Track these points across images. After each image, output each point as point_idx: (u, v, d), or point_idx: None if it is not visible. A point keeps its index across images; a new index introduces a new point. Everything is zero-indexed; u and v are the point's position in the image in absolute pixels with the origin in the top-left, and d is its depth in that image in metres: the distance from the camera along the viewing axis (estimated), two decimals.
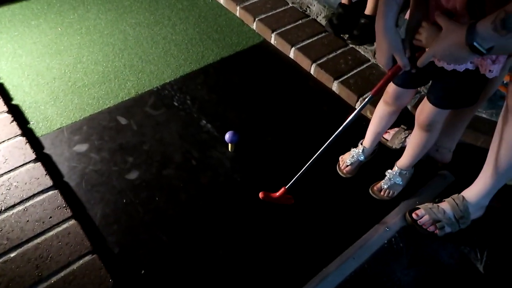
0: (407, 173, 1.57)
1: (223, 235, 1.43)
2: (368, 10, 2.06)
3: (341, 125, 1.28)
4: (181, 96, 1.89)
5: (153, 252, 1.36)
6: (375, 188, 1.59)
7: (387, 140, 1.75)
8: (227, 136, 1.61)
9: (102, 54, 2.06)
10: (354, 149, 1.65)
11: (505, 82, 1.63)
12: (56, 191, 1.43)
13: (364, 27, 2.07)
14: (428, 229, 1.44)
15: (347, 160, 1.64)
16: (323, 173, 1.64)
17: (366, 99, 1.25)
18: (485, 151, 1.34)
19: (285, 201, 1.47)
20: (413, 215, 1.48)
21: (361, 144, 1.64)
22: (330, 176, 1.64)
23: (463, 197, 1.43)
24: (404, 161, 1.54)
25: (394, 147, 1.72)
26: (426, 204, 1.50)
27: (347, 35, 2.15)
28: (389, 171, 1.58)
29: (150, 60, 2.05)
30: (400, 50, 1.11)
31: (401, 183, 1.57)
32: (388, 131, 1.76)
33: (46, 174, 1.47)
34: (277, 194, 1.44)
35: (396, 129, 1.76)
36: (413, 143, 1.46)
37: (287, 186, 1.43)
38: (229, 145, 1.66)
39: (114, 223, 1.43)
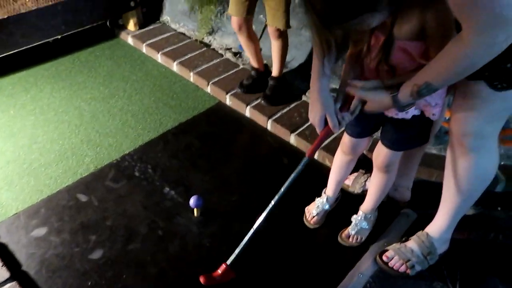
0: (371, 217, 1.61)
1: None
2: (274, 73, 2.19)
3: (283, 186, 1.32)
4: (142, 166, 1.89)
5: None
6: (343, 235, 1.61)
7: (349, 186, 1.80)
8: (192, 201, 1.61)
9: (58, 132, 2.04)
10: (318, 198, 1.68)
11: (447, 118, 1.77)
12: (14, 282, 1.35)
13: (274, 88, 2.19)
14: (399, 270, 1.46)
15: (312, 210, 1.67)
16: (291, 226, 1.65)
17: (302, 162, 1.29)
18: (441, 185, 1.41)
19: (227, 278, 1.40)
20: (383, 258, 1.50)
21: (324, 193, 1.68)
22: (298, 229, 1.65)
23: (427, 233, 1.48)
24: (367, 205, 1.59)
25: (355, 192, 1.78)
26: (394, 244, 1.53)
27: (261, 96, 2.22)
28: (355, 216, 1.61)
29: (108, 133, 2.05)
30: (331, 111, 1.19)
31: (367, 227, 1.60)
32: (348, 177, 1.81)
33: (2, 266, 1.39)
34: (218, 271, 1.38)
35: (356, 174, 1.82)
36: (374, 186, 1.52)
37: (228, 262, 1.38)
38: (195, 210, 1.65)
39: None
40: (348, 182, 1.81)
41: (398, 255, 1.48)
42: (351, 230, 1.60)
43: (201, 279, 1.37)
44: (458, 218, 1.43)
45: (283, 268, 1.50)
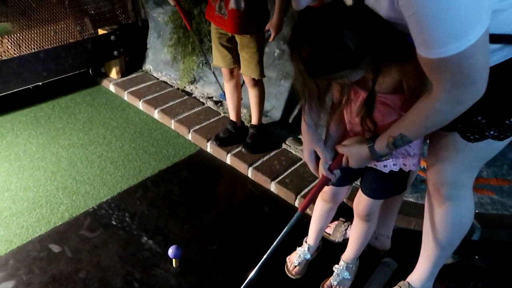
0: (353, 266, 1.59)
1: None
2: (254, 121, 2.25)
3: (277, 239, 1.30)
4: (119, 214, 1.84)
5: None
6: (325, 285, 1.59)
7: (329, 234, 1.80)
8: (170, 252, 1.56)
9: (33, 179, 1.99)
10: (300, 248, 1.67)
11: (422, 167, 1.83)
12: None
13: (254, 136, 2.23)
14: None
15: (294, 260, 1.64)
16: (272, 276, 1.61)
17: (295, 217, 1.29)
18: (420, 233, 1.43)
19: None
20: None
21: (306, 242, 1.67)
22: (280, 278, 1.61)
23: (408, 283, 1.47)
24: (349, 254, 1.58)
25: (336, 240, 1.77)
26: None
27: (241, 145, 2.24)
28: (336, 266, 1.60)
29: (85, 180, 2.01)
30: (321, 145, 1.24)
31: (349, 277, 1.58)
32: (329, 225, 1.81)
33: None
34: None
35: (336, 222, 1.82)
36: (355, 235, 1.52)
37: None
38: (173, 260, 1.60)
39: None
40: (329, 230, 1.81)
41: None
42: (333, 280, 1.58)
43: None
44: (439, 267, 1.44)
45: None
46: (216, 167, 2.21)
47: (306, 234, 1.68)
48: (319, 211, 1.59)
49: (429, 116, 0.95)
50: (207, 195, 2.01)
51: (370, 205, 1.40)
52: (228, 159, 2.23)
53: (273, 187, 2.06)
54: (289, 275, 1.63)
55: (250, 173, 2.14)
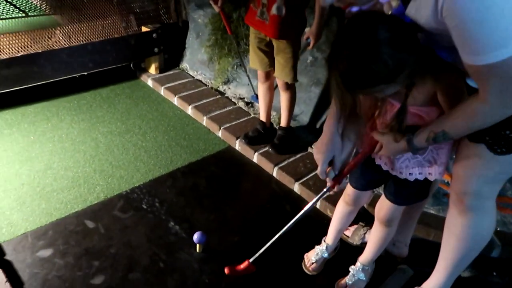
0: (369, 269, 1.64)
1: None
2: (283, 123, 2.32)
3: (303, 209, 1.41)
4: (149, 199, 1.95)
5: None
6: (340, 284, 1.64)
7: (348, 237, 1.85)
8: (196, 237, 1.66)
9: (73, 160, 2.14)
10: (318, 246, 1.73)
11: (446, 181, 1.85)
12: None
13: (282, 138, 2.31)
14: None
15: (312, 257, 1.70)
16: (290, 272, 1.68)
17: (323, 192, 1.38)
18: (438, 245, 1.46)
19: (249, 271, 1.53)
20: None
21: (324, 241, 1.73)
22: (297, 274, 1.68)
23: None
24: (366, 256, 1.63)
25: (355, 243, 1.82)
26: None
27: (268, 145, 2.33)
28: (352, 267, 1.65)
29: (120, 166, 2.14)
30: (338, 162, 1.30)
31: (364, 278, 1.63)
32: (348, 228, 1.87)
33: (6, 282, 1.42)
34: (241, 266, 1.51)
35: (356, 226, 1.87)
36: (374, 238, 1.57)
37: (251, 260, 1.50)
38: (197, 246, 1.69)
39: None
40: (348, 233, 1.86)
41: None
42: (348, 280, 1.63)
43: (226, 270, 1.53)
44: (454, 277, 1.46)
45: None
46: (243, 164, 2.30)
47: (325, 234, 1.74)
48: (339, 212, 1.65)
49: (475, 117, 1.00)
50: (232, 190, 2.11)
51: (392, 211, 1.45)
52: (255, 158, 2.31)
53: (296, 187, 2.13)
54: (306, 271, 1.70)
55: (275, 172, 2.22)
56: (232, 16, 2.67)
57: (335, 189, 1.34)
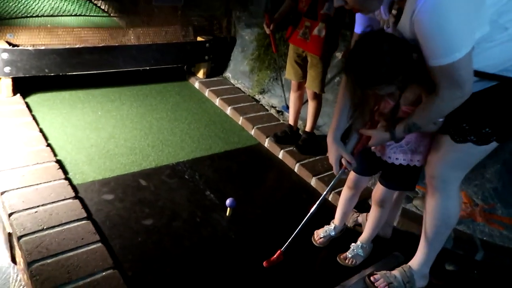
0: (367, 247, 1.98)
1: (216, 276, 1.74)
2: (308, 128, 2.71)
3: (327, 188, 1.75)
4: (191, 172, 2.36)
5: (160, 278, 1.66)
6: (341, 256, 1.98)
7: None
8: (228, 202, 2.04)
9: (131, 134, 2.58)
10: (327, 226, 2.08)
11: None
12: (88, 221, 1.78)
13: (305, 141, 2.69)
14: None
15: (320, 233, 2.06)
16: (301, 244, 2.01)
17: (341, 170, 1.71)
18: None
19: (279, 260, 1.77)
20: (371, 278, 1.84)
21: (332, 222, 2.08)
22: (306, 247, 2.02)
23: (409, 266, 1.83)
24: (364, 235, 1.97)
25: (349, 225, 2.17)
26: (381, 271, 1.87)
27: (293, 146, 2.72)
28: (353, 244, 1.99)
29: (169, 144, 2.56)
30: (345, 152, 1.64)
31: (362, 254, 1.96)
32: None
33: (81, 208, 1.83)
34: (275, 256, 1.76)
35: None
36: (371, 219, 1.92)
37: (282, 249, 1.76)
38: (228, 209, 2.07)
39: (130, 254, 1.74)
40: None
41: (383, 278, 1.82)
42: (348, 254, 1.97)
43: (264, 264, 1.74)
44: (433, 255, 1.79)
45: (289, 271, 1.86)
46: (269, 159, 2.69)
47: (333, 217, 2.09)
48: (344, 196, 2.01)
49: (432, 108, 1.39)
50: (259, 176, 2.49)
51: (384, 193, 1.82)
52: (280, 155, 2.70)
53: (313, 182, 2.49)
54: (314, 243, 2.04)
55: (296, 168, 2.59)
56: (275, 36, 3.12)
57: (348, 169, 1.69)
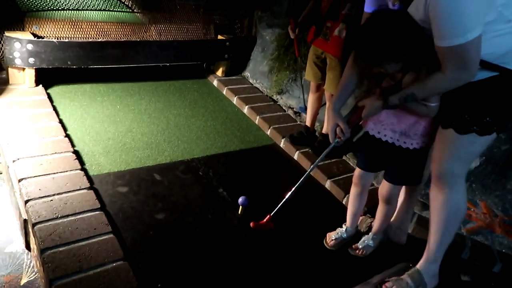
0: (377, 238, 1.98)
1: (224, 274, 1.74)
2: (324, 130, 2.68)
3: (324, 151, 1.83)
4: (205, 169, 2.36)
5: (169, 272, 1.66)
6: (353, 246, 2.00)
7: (358, 225, 2.17)
8: (240, 200, 2.03)
9: (148, 129, 2.60)
10: (339, 228, 2.06)
11: None
12: (101, 212, 1.80)
13: (321, 142, 2.66)
14: None
15: (332, 236, 2.04)
16: (312, 246, 2.00)
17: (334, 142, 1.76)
18: None
19: (268, 227, 1.93)
20: (383, 286, 1.80)
21: (344, 225, 2.06)
22: (318, 248, 2.00)
23: (417, 269, 1.81)
24: (374, 228, 1.99)
25: (362, 230, 2.14)
26: (393, 278, 1.83)
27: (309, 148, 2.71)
28: (365, 236, 2.01)
29: (185, 140, 2.58)
30: (341, 121, 1.69)
31: (372, 245, 1.98)
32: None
33: (96, 199, 1.85)
34: (264, 220, 1.89)
35: (363, 217, 2.19)
36: (379, 214, 1.95)
37: (271, 214, 1.91)
38: (240, 208, 2.06)
39: (141, 246, 1.75)
40: (358, 221, 2.18)
41: (396, 285, 1.78)
42: (359, 244, 1.99)
43: (251, 224, 1.92)
44: (441, 252, 1.75)
45: (299, 273, 1.84)
46: (284, 160, 2.67)
47: (345, 220, 2.06)
48: (352, 195, 2.01)
49: (436, 84, 1.42)
50: (274, 176, 2.47)
51: (391, 190, 1.84)
52: (296, 156, 2.68)
53: (327, 184, 2.46)
54: (326, 245, 2.02)
55: None
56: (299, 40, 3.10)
57: (342, 138, 1.71)
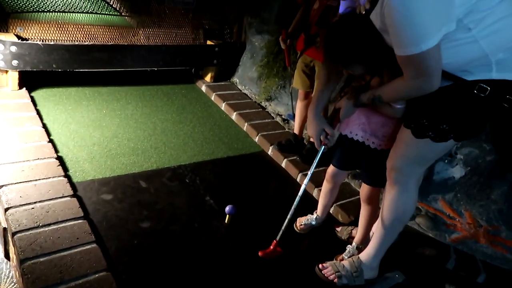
0: (362, 247, 1.97)
1: (210, 284, 1.71)
2: (306, 133, 2.68)
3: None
4: (192, 176, 2.33)
5: (154, 283, 1.62)
6: (338, 258, 1.98)
7: (338, 231, 2.19)
8: (227, 208, 2.00)
9: (135, 135, 2.56)
10: (310, 215, 2.15)
11: (448, 214, 2.18)
12: (85, 220, 1.75)
13: (309, 150, 2.66)
14: (329, 277, 1.81)
15: (303, 221, 2.14)
16: (288, 235, 2.00)
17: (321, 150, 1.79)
18: (434, 260, 1.77)
19: (277, 253, 1.90)
20: (319, 266, 1.86)
21: (315, 213, 2.15)
22: (295, 240, 1.99)
23: (358, 257, 1.85)
24: (358, 237, 1.99)
25: (343, 237, 2.15)
26: (332, 261, 1.89)
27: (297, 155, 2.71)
28: (349, 246, 2.00)
29: (171, 147, 2.54)
30: (326, 125, 1.71)
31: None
32: (339, 226, 2.20)
33: (79, 207, 1.81)
34: (271, 247, 1.88)
35: (344, 226, 2.20)
36: (362, 218, 1.96)
37: (277, 238, 1.88)
38: (227, 217, 2.04)
39: (125, 256, 1.71)
40: (339, 229, 2.20)
41: (332, 266, 1.85)
42: (344, 255, 1.98)
43: (260, 253, 1.89)
44: (383, 249, 1.79)
45: (288, 275, 1.83)
46: (272, 167, 2.66)
47: (316, 209, 2.12)
48: (324, 190, 2.09)
49: (398, 91, 1.45)
50: (261, 184, 2.46)
51: (370, 191, 1.88)
52: (284, 163, 2.67)
53: (315, 192, 2.46)
54: (295, 229, 2.12)
55: (299, 178, 2.56)
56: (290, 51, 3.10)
57: (328, 144, 1.75)
